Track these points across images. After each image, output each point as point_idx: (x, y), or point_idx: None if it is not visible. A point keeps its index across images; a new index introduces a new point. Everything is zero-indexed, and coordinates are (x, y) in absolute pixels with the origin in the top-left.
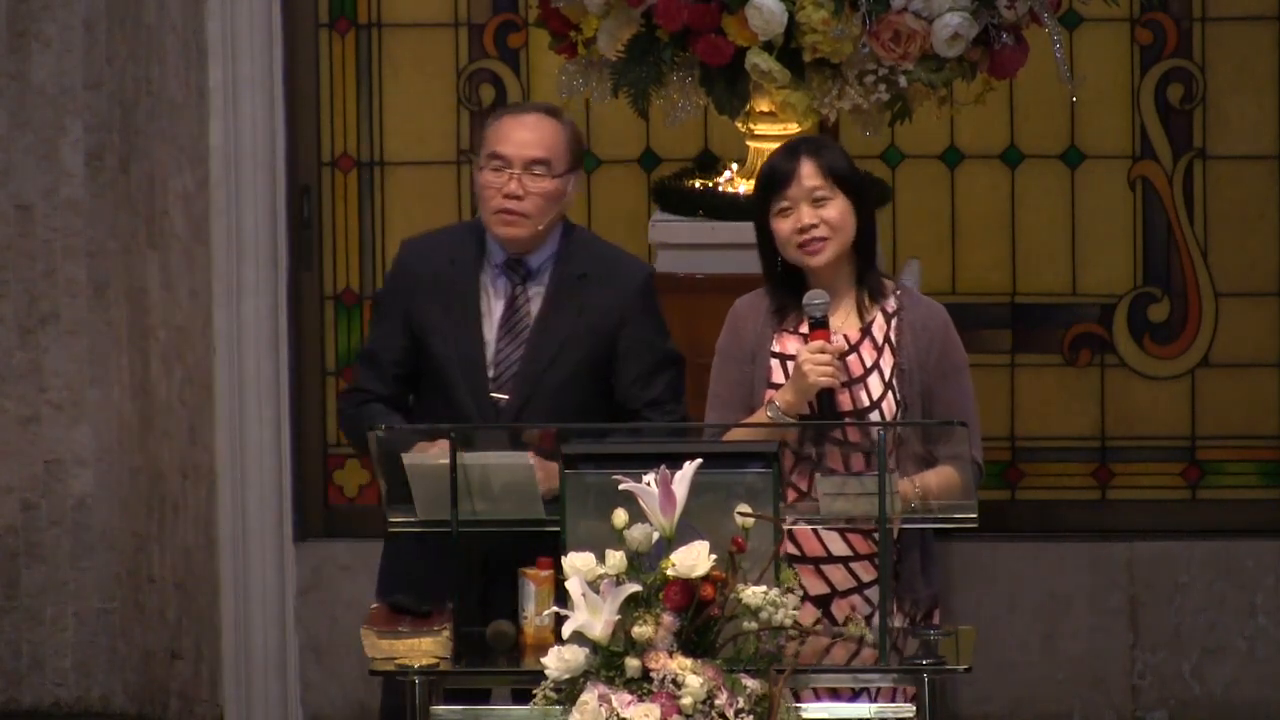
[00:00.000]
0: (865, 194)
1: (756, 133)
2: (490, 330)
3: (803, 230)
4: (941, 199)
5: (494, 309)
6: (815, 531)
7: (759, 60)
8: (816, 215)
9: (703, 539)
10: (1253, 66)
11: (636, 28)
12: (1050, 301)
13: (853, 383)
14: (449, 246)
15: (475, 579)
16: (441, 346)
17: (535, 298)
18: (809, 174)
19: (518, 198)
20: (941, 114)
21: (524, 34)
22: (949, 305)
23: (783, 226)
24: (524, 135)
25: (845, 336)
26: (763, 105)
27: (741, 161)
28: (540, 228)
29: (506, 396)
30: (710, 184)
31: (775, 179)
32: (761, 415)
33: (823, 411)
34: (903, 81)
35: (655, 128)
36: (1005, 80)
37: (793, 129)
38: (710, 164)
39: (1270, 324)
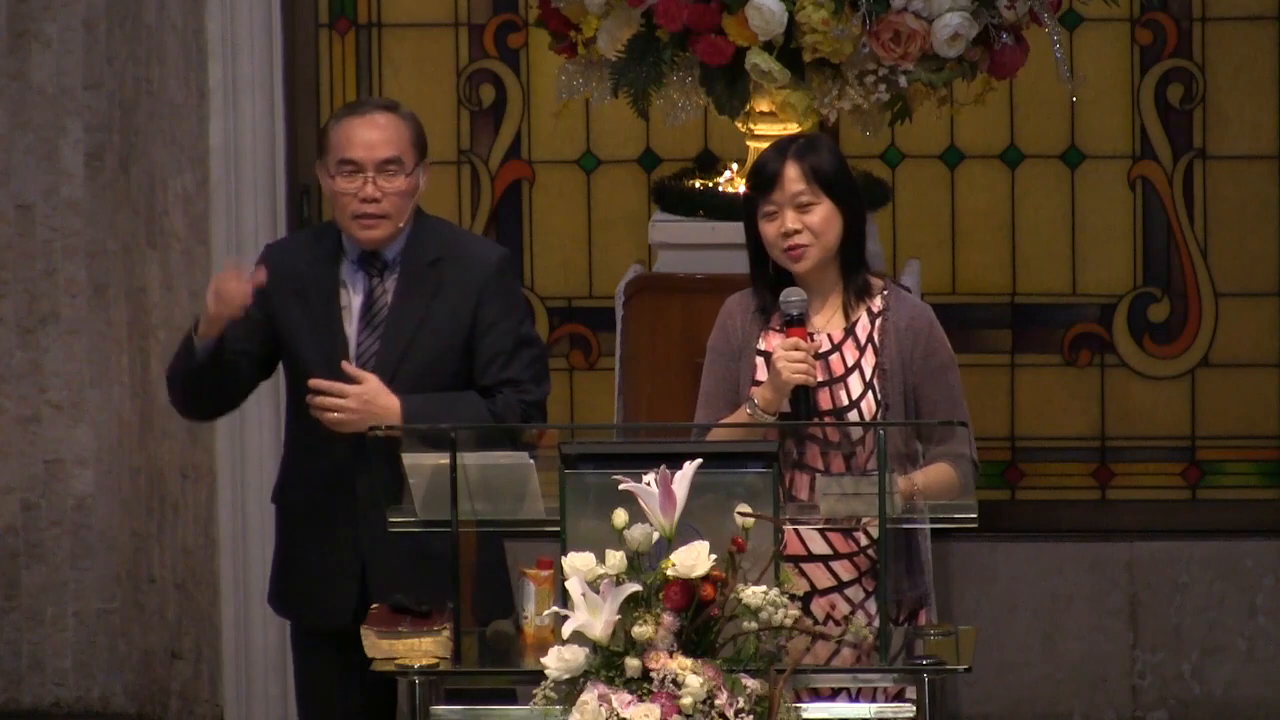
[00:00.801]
0: (852, 197)
1: (756, 133)
2: (351, 325)
3: (786, 235)
4: (941, 199)
5: (354, 304)
6: (796, 530)
7: (759, 60)
8: (800, 220)
9: (703, 539)
10: (1253, 66)
11: (636, 28)
12: (1050, 301)
13: (833, 381)
14: (307, 247)
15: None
16: (306, 345)
17: (391, 287)
18: (794, 178)
19: (375, 200)
20: (941, 114)
21: (524, 34)
22: (949, 305)
23: (768, 230)
24: (371, 136)
25: (829, 336)
26: (763, 105)
27: (741, 161)
28: (400, 225)
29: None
30: (710, 184)
31: (761, 181)
32: (742, 413)
33: (800, 409)
34: (903, 81)
35: (655, 128)
36: (1005, 80)
37: (793, 129)
38: (710, 164)
39: (1270, 324)
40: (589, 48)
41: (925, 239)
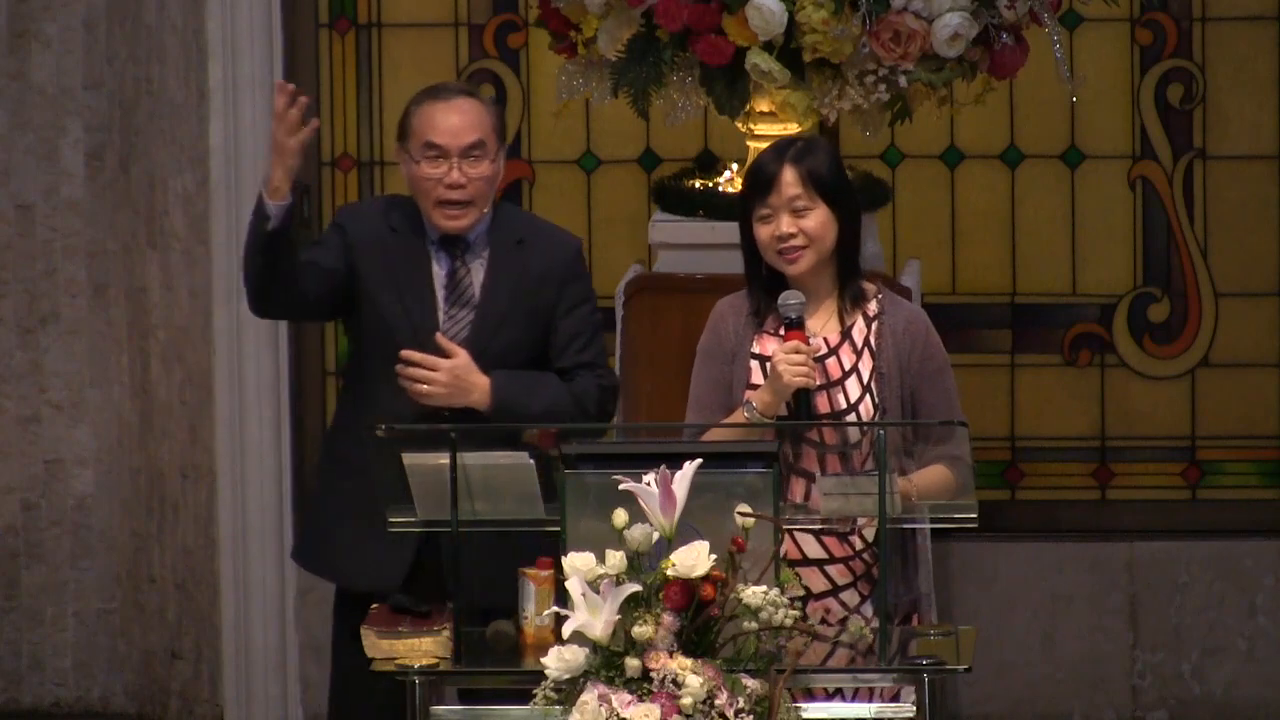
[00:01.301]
0: (848, 201)
1: (756, 133)
2: (438, 299)
3: (781, 239)
4: (941, 199)
5: (437, 279)
6: (791, 534)
7: (759, 60)
8: (795, 225)
9: (703, 539)
10: (1253, 66)
11: (636, 28)
12: (1050, 301)
13: (830, 385)
14: (387, 215)
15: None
16: (392, 311)
17: (476, 269)
18: (790, 182)
19: (460, 186)
20: (941, 114)
21: (524, 34)
22: (949, 305)
23: (763, 232)
24: (456, 121)
25: (825, 340)
26: (763, 105)
27: (741, 161)
28: (485, 211)
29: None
30: (710, 184)
31: (757, 184)
32: (739, 416)
33: (799, 412)
34: (903, 81)
35: (655, 128)
36: (1005, 80)
37: (793, 129)
38: (710, 164)
39: (1270, 324)
40: (589, 48)
41: (925, 239)
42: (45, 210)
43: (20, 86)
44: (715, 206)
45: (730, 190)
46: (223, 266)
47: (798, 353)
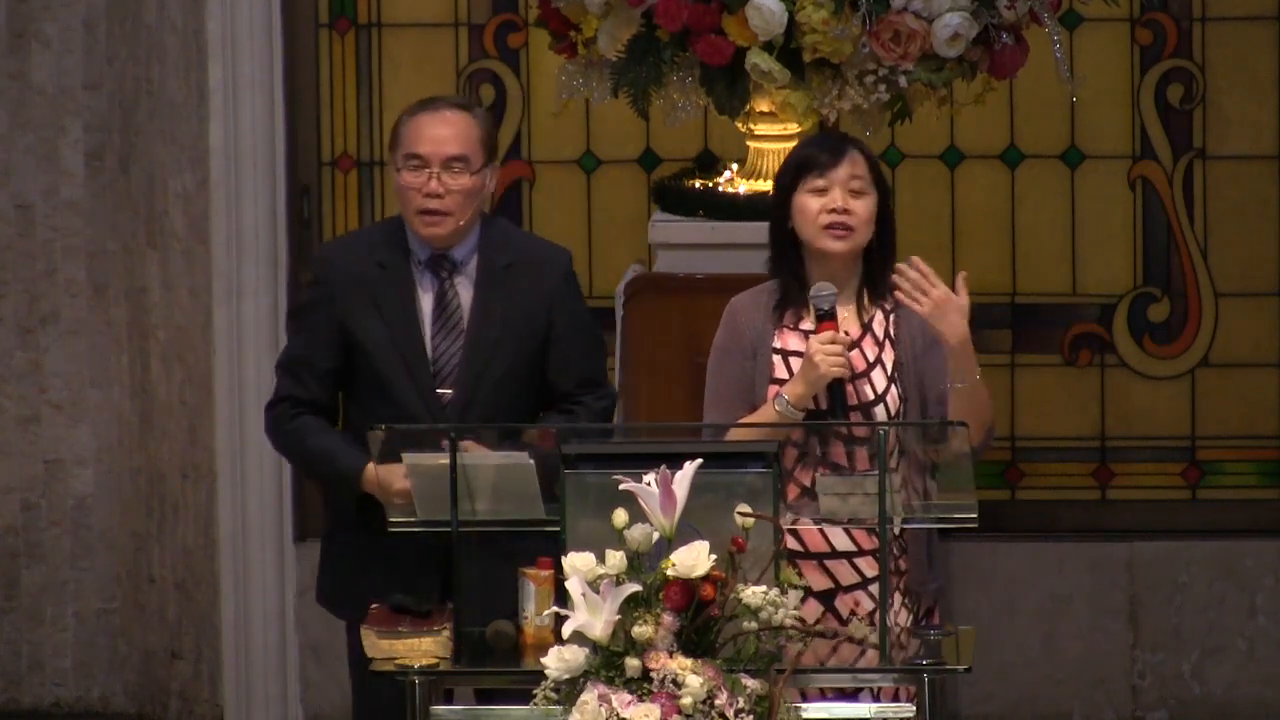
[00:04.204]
0: (888, 200)
1: (756, 133)
2: (425, 330)
3: (834, 212)
4: (941, 199)
5: (425, 306)
6: (820, 527)
7: (759, 60)
8: (850, 203)
9: (703, 539)
10: (1253, 66)
11: (636, 28)
12: (1050, 301)
13: (856, 377)
14: (372, 248)
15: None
16: (380, 347)
17: (464, 290)
18: (855, 163)
19: (438, 196)
20: (941, 114)
21: (524, 34)
22: None
23: (812, 204)
24: (440, 133)
25: (846, 332)
26: (763, 105)
27: (741, 161)
28: (462, 224)
29: (450, 392)
30: (710, 184)
31: (818, 160)
32: (768, 409)
33: (833, 403)
34: (903, 81)
35: (655, 128)
36: (1005, 80)
37: (793, 129)
38: (710, 164)
39: (1270, 324)
40: (589, 48)
41: (925, 239)
42: (45, 210)
43: (20, 86)
44: (715, 206)
45: (730, 190)
46: (223, 266)
47: (833, 343)
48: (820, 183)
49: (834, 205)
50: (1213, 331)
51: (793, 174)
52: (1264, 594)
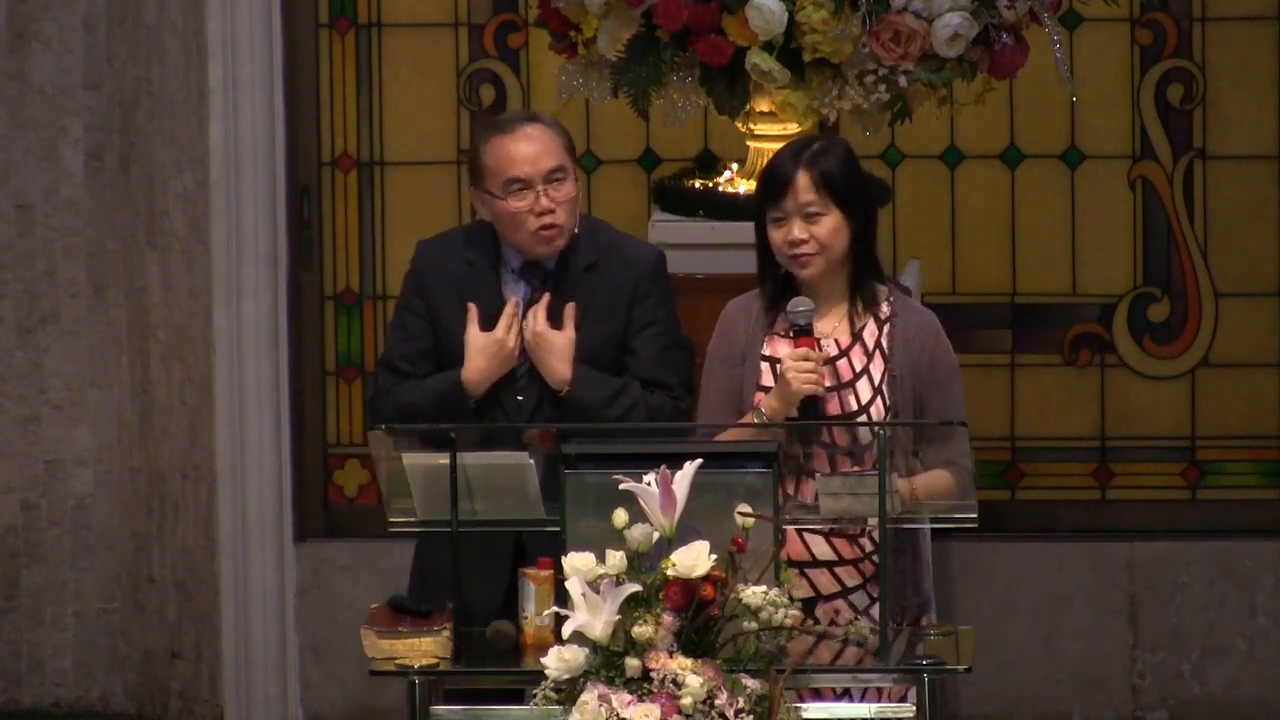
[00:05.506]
0: (862, 203)
1: (756, 133)
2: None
3: (793, 244)
4: (941, 199)
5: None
6: (800, 535)
7: (759, 60)
8: (807, 231)
9: (703, 539)
10: (1253, 66)
11: (636, 28)
12: (1050, 301)
13: (841, 387)
14: (464, 247)
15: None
16: (460, 343)
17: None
18: (804, 187)
19: (550, 211)
20: (941, 114)
21: (524, 34)
22: (949, 305)
23: (776, 236)
24: (531, 149)
25: (836, 341)
26: (763, 105)
27: (741, 161)
28: (576, 231)
29: (522, 398)
30: (710, 184)
31: (771, 187)
32: (749, 419)
33: (808, 419)
34: (903, 81)
35: (655, 128)
36: (1005, 80)
37: (793, 129)
38: (710, 164)
39: (1270, 324)
40: (589, 48)
41: (925, 239)
42: (45, 210)
43: (20, 86)
44: (715, 206)
45: (730, 190)
46: (222, 266)
47: (806, 360)
48: (778, 214)
49: (790, 237)
50: (1213, 331)
51: (758, 200)
52: (1264, 594)
